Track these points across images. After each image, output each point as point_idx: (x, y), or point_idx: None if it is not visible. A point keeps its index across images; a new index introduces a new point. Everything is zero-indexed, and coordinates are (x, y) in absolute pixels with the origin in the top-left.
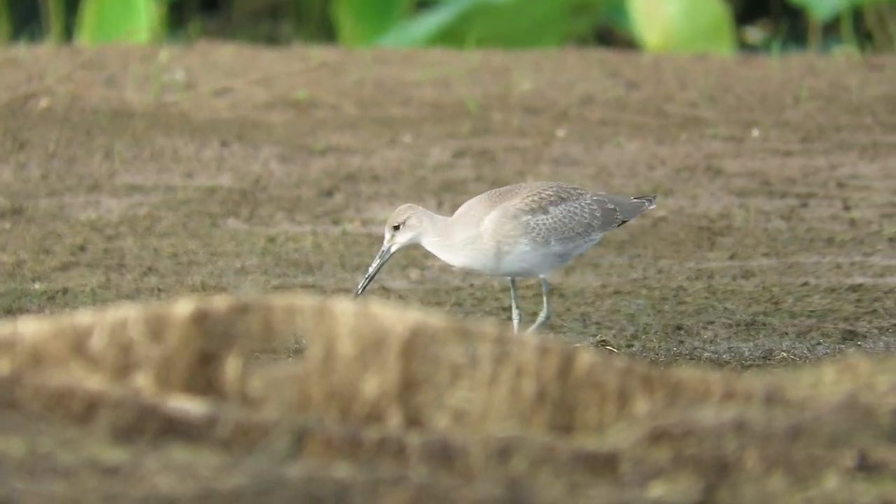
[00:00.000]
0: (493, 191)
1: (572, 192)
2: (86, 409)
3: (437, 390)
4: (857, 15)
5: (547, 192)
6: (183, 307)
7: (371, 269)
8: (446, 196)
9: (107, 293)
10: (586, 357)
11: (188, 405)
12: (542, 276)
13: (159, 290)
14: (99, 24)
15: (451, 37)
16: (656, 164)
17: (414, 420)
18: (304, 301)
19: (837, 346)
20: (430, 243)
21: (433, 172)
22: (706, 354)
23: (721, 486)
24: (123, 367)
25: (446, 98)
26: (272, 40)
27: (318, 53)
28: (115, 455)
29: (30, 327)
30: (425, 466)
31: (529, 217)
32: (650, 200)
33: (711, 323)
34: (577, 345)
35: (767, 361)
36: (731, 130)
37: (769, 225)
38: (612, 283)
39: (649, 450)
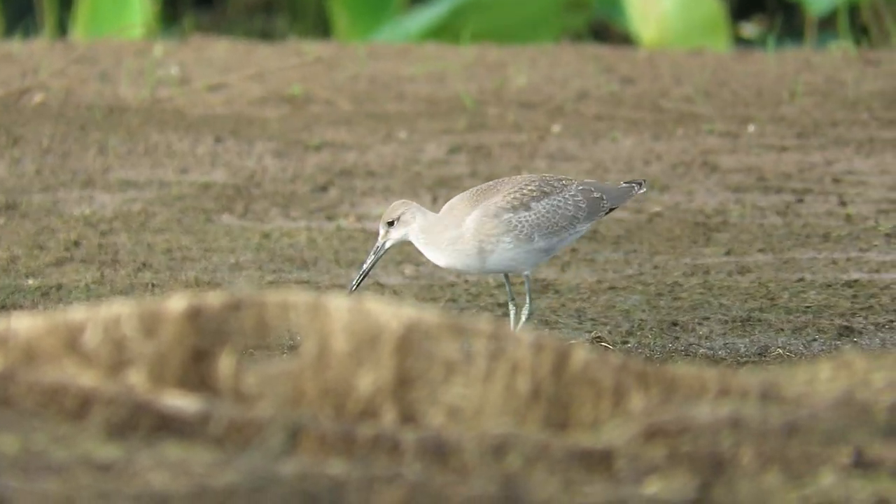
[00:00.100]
0: (476, 188)
1: (556, 184)
2: (79, 406)
3: (431, 387)
4: (853, 10)
5: (529, 188)
6: (176, 303)
7: (365, 265)
8: (441, 192)
9: (101, 289)
10: (581, 353)
11: (182, 402)
12: (525, 272)
13: (153, 285)
14: (93, 20)
15: (445, 32)
16: (652, 160)
17: (408, 417)
18: (299, 297)
19: (833, 343)
20: (418, 241)
21: (428, 168)
22: (702, 351)
23: (717, 483)
24: (117, 363)
25: (441, 93)
26: (266, 35)
27: (313, 49)
28: (108, 452)
29: (23, 323)
30: (420, 463)
31: (511, 215)
32: (640, 185)
33: (707, 319)
34: (573, 341)
35: (763, 358)
36: (726, 126)
37: (765, 221)
38: (607, 278)
39: (645, 447)
